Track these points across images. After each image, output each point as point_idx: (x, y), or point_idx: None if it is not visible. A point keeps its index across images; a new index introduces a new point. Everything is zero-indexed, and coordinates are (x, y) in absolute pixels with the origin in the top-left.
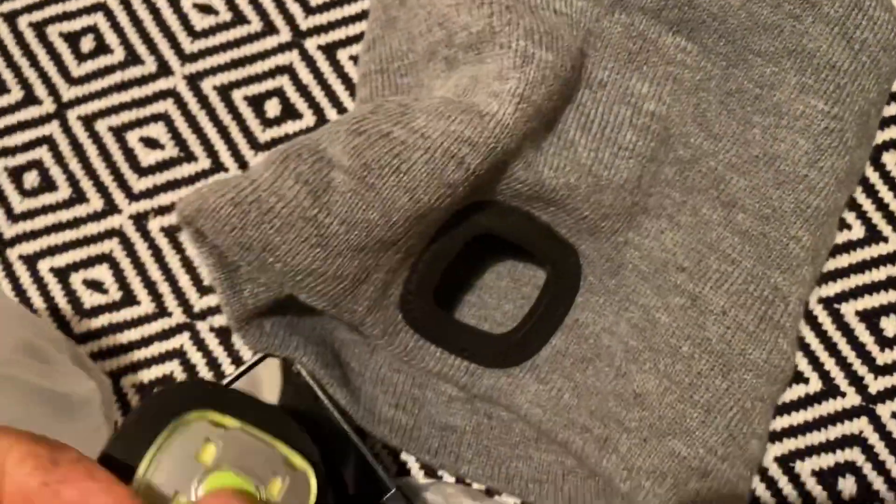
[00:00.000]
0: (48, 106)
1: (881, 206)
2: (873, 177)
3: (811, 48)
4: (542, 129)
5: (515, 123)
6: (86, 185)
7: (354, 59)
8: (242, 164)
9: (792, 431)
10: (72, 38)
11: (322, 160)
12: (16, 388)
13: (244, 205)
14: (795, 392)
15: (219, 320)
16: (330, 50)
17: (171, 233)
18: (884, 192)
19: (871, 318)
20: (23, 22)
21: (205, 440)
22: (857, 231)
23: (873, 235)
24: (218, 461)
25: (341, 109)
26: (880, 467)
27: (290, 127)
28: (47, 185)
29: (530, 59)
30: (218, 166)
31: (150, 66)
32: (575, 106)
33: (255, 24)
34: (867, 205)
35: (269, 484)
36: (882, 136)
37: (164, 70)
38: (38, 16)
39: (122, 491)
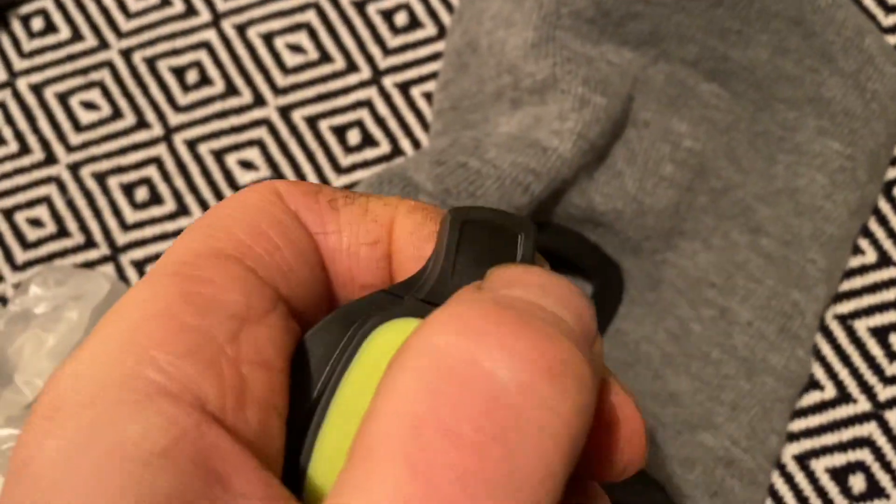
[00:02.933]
0: (157, 130)
1: (891, 233)
2: (885, 208)
3: (828, 97)
4: (594, 161)
5: (573, 157)
6: (189, 200)
7: (426, 95)
8: (326, 184)
9: (808, 433)
10: (179, 72)
11: (410, 185)
12: None
13: None
14: (812, 398)
15: None
16: (404, 87)
17: None
18: (894, 222)
19: (881, 333)
20: (137, 57)
21: None
22: (870, 256)
23: (884, 260)
24: None
25: (413, 139)
26: (887, 467)
27: (369, 154)
28: (155, 199)
29: (587, 103)
30: None
31: (247, 97)
32: (623, 142)
33: (340, 63)
34: (879, 233)
35: None
36: (894, 173)
37: (259, 101)
38: (150, 52)
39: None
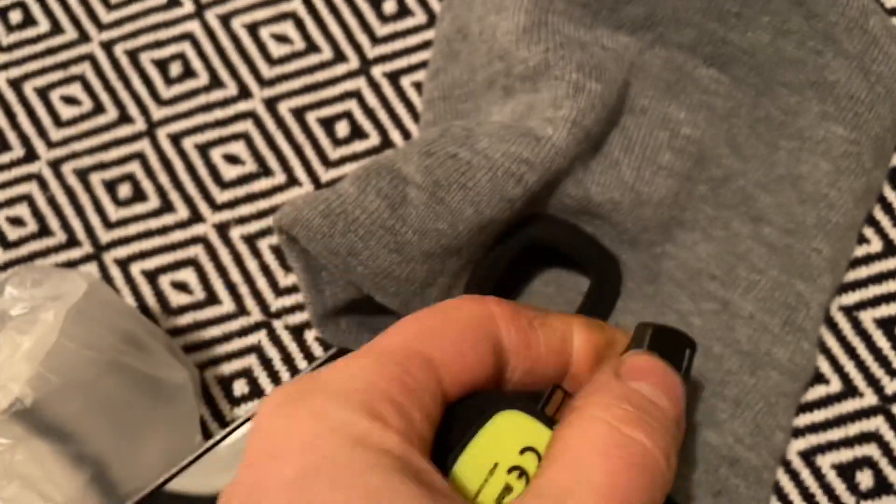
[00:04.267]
0: (140, 125)
1: None
2: (891, 195)
3: (832, 80)
4: (590, 150)
5: (568, 146)
6: (173, 196)
7: (416, 85)
8: (315, 179)
9: (814, 428)
10: (161, 64)
11: (398, 177)
12: (122, 373)
13: (333, 216)
14: (817, 392)
15: (293, 319)
16: (394, 77)
17: (250, 240)
18: None
19: (887, 325)
20: (119, 50)
21: None
22: (876, 245)
23: (890, 249)
24: None
25: (403, 130)
26: (895, 462)
27: (358, 146)
28: (139, 196)
29: (581, 89)
30: (293, 181)
31: (232, 89)
32: (619, 129)
33: (327, 53)
34: (885, 221)
35: None
36: None
37: (244, 94)
38: (132, 44)
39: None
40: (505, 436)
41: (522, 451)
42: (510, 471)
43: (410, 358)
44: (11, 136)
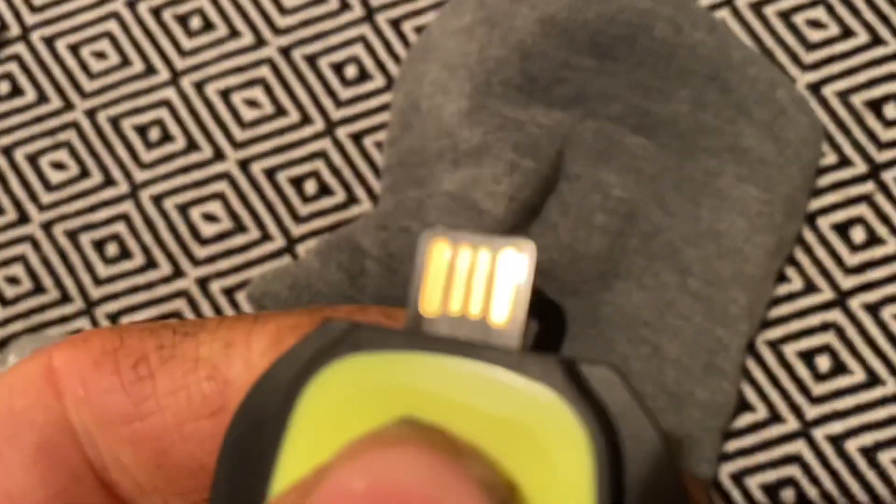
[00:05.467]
0: (124, 187)
1: (816, 262)
2: (810, 238)
3: (746, 146)
4: (529, 217)
5: (506, 217)
6: (157, 253)
7: (377, 144)
8: (286, 234)
9: (742, 452)
10: (141, 130)
11: (357, 250)
12: None
13: (298, 288)
14: (745, 419)
15: None
16: (357, 137)
17: (229, 292)
18: (818, 251)
19: (808, 356)
20: (101, 117)
21: None
22: (797, 284)
23: (809, 287)
24: None
25: (366, 186)
26: (815, 481)
27: (326, 202)
28: (125, 254)
29: (517, 167)
30: (266, 236)
31: (208, 152)
32: (556, 196)
33: (294, 116)
34: (804, 261)
35: None
36: (817, 203)
37: (218, 156)
38: (113, 111)
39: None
40: (336, 416)
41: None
42: None
43: None
44: (5, 201)
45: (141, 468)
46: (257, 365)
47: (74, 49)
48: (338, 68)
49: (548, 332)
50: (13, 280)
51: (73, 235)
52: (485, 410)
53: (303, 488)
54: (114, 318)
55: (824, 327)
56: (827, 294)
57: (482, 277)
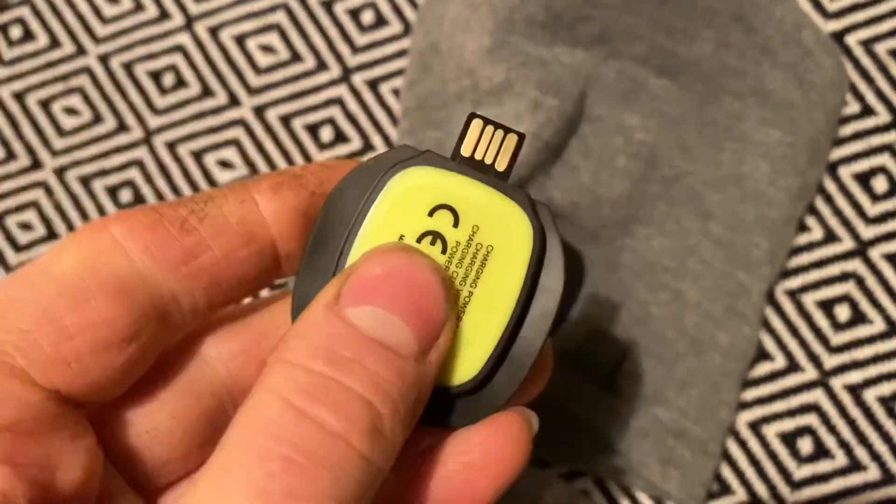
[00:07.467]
0: (138, 133)
1: (836, 211)
2: (831, 187)
3: (770, 88)
4: (551, 158)
5: (529, 156)
6: (171, 200)
7: (394, 91)
8: None
9: (760, 401)
10: (155, 75)
11: None
12: None
13: None
14: (763, 368)
15: None
16: (373, 84)
17: None
18: (838, 200)
19: (827, 306)
20: (115, 62)
21: None
22: (817, 233)
23: (830, 237)
24: None
25: (383, 134)
26: (832, 430)
27: (341, 150)
28: (139, 201)
29: (540, 105)
30: None
31: (222, 98)
32: (578, 137)
33: (310, 62)
34: (825, 210)
35: None
36: (839, 153)
37: (234, 102)
38: (126, 56)
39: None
40: (407, 200)
41: (433, 212)
42: (420, 239)
43: None
44: (17, 146)
45: (199, 293)
46: (265, 208)
47: None
48: (354, 14)
49: (567, 278)
50: (26, 226)
51: (86, 181)
52: (485, 205)
53: (349, 270)
54: None
55: (844, 277)
56: (847, 243)
57: (496, 144)
